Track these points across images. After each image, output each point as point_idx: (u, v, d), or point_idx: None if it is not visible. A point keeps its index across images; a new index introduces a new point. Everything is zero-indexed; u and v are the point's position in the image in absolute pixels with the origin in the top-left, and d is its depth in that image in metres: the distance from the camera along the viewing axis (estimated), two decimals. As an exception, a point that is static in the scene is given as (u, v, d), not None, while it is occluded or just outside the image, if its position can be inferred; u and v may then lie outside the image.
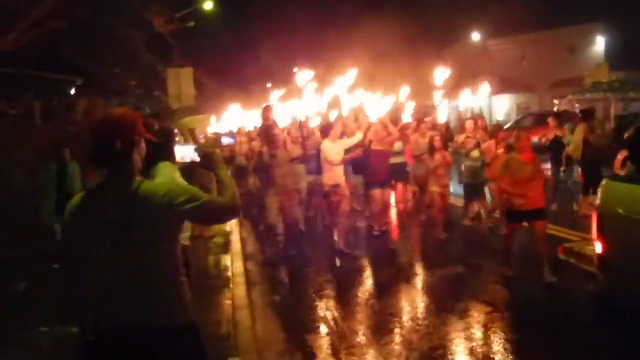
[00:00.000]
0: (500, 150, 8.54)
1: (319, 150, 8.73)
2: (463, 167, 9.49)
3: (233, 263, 7.70)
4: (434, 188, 8.93)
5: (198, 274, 7.06)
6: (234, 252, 8.31)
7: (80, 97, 16.18)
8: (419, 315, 5.85)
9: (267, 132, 8.27)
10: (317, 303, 6.38)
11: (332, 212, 8.39)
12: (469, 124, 9.85)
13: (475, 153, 9.04)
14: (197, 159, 2.77)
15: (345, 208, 8.39)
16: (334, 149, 8.10)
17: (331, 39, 25.39)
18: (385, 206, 9.24)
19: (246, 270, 7.55)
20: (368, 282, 7.27)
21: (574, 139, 9.78)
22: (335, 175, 8.14)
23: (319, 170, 8.83)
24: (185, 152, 2.83)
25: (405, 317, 5.80)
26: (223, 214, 2.65)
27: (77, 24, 13.67)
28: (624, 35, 25.98)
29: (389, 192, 9.30)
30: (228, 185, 2.63)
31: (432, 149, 8.93)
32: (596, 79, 17.86)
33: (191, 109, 15.99)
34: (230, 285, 6.81)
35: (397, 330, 5.46)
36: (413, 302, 6.31)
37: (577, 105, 18.44)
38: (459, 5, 23.57)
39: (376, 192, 8.86)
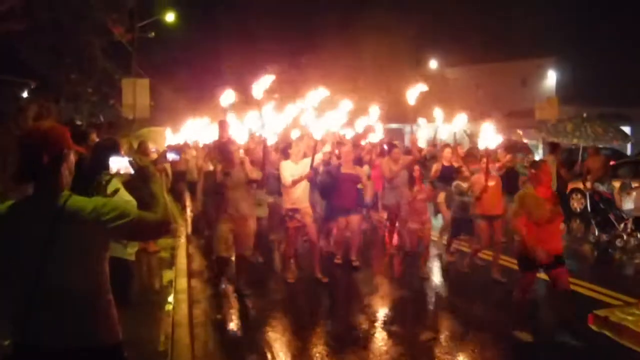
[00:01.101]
0: (492, 183, 7.68)
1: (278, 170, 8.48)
2: (440, 199, 9.14)
3: (177, 279, 7.56)
4: (414, 225, 8.07)
5: (140, 289, 6.93)
6: (179, 268, 8.15)
7: (32, 101, 15.74)
8: (363, 346, 5.75)
9: (222, 149, 7.41)
10: (259, 325, 6.31)
11: (288, 237, 7.86)
12: (447, 152, 9.32)
13: (464, 184, 8.30)
14: (132, 172, 2.75)
15: (303, 235, 7.98)
16: (290, 170, 7.55)
17: (294, 59, 25.56)
18: (353, 235, 8.63)
19: (190, 288, 7.42)
20: (317, 309, 7.07)
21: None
22: (292, 198, 7.59)
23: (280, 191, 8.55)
24: (120, 165, 2.80)
25: (350, 346, 5.71)
26: (154, 230, 2.63)
27: (35, 26, 13.36)
28: (575, 71, 27.05)
29: (357, 220, 8.67)
30: (161, 200, 2.60)
31: (412, 180, 8.06)
32: (545, 112, 18.56)
33: (146, 121, 15.77)
34: (172, 302, 6.69)
35: (338, 358, 5.45)
36: (361, 334, 6.10)
37: (542, 137, 18.93)
38: (418, 33, 24.17)
39: (342, 220, 8.38)
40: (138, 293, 6.56)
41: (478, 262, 8.53)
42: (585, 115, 14.60)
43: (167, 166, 10.09)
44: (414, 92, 8.90)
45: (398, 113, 18.69)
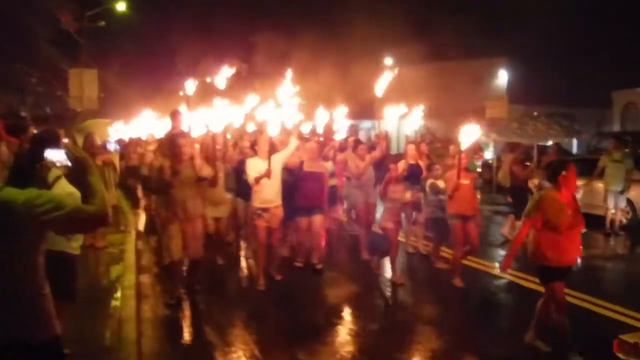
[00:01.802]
0: (466, 181, 7.25)
1: (236, 168, 8.14)
2: (407, 196, 8.29)
3: (124, 275, 7.42)
4: (389, 225, 7.52)
5: (86, 285, 6.74)
6: (127, 264, 8.00)
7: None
8: (316, 340, 5.68)
9: (171, 142, 6.70)
10: (208, 322, 6.19)
11: (257, 236, 7.34)
12: (412, 150, 8.73)
13: (441, 183, 7.91)
14: (68, 164, 2.68)
15: (272, 237, 7.37)
16: (257, 167, 7.02)
17: (248, 52, 25.35)
18: (315, 236, 8.02)
19: (138, 284, 7.28)
20: (272, 309, 6.84)
21: (504, 169, 10.41)
22: (261, 197, 7.13)
23: (238, 191, 8.25)
24: (57, 157, 2.72)
25: (303, 342, 5.63)
26: (90, 222, 2.59)
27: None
28: (525, 71, 27.75)
29: (319, 220, 8.03)
30: (98, 192, 2.55)
31: (390, 179, 7.40)
32: (495, 111, 19.06)
33: (94, 112, 15.29)
34: (119, 298, 6.57)
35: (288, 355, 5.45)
36: (315, 333, 5.88)
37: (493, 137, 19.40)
38: (373, 30, 24.30)
39: (303, 221, 7.84)
40: (85, 289, 6.38)
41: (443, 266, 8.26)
42: (535, 114, 15.12)
43: (116, 160, 9.83)
44: (381, 85, 8.26)
45: (354, 109, 18.73)
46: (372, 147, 9.62)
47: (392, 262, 7.74)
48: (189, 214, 6.52)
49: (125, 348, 5.20)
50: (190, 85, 7.64)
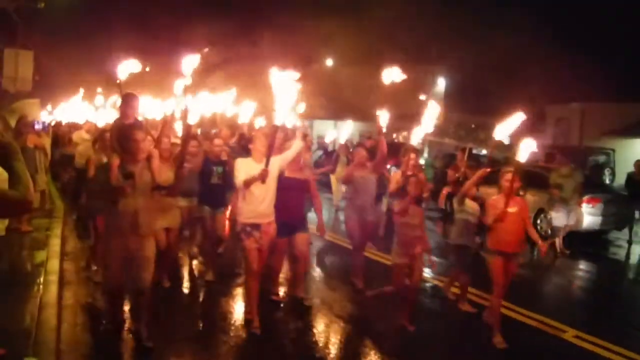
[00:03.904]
0: (513, 209, 5.72)
1: (203, 169, 7.17)
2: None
3: (48, 260, 7.41)
4: (401, 259, 5.99)
5: (8, 269, 6.78)
6: (52, 249, 7.96)
7: None
8: None
9: (123, 135, 5.08)
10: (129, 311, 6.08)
11: (247, 262, 5.91)
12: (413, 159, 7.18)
13: (469, 204, 6.60)
14: None
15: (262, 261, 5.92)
16: (248, 170, 5.61)
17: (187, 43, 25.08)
18: (299, 261, 6.70)
19: (61, 270, 7.27)
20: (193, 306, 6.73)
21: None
22: (252, 209, 5.71)
23: (204, 197, 7.24)
24: None
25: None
26: (13, 208, 2.62)
27: None
28: (462, 82, 28.73)
29: (305, 240, 6.73)
30: (23, 178, 2.57)
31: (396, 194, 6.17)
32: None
33: (27, 94, 14.92)
34: (41, 283, 6.56)
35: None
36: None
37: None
38: (315, 31, 24.57)
39: (283, 242, 6.40)
40: (6, 272, 6.39)
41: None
42: (472, 125, 15.72)
43: (47, 144, 9.67)
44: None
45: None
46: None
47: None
48: (140, 231, 5.03)
49: (44, 333, 5.21)
50: (124, 69, 6.39)
